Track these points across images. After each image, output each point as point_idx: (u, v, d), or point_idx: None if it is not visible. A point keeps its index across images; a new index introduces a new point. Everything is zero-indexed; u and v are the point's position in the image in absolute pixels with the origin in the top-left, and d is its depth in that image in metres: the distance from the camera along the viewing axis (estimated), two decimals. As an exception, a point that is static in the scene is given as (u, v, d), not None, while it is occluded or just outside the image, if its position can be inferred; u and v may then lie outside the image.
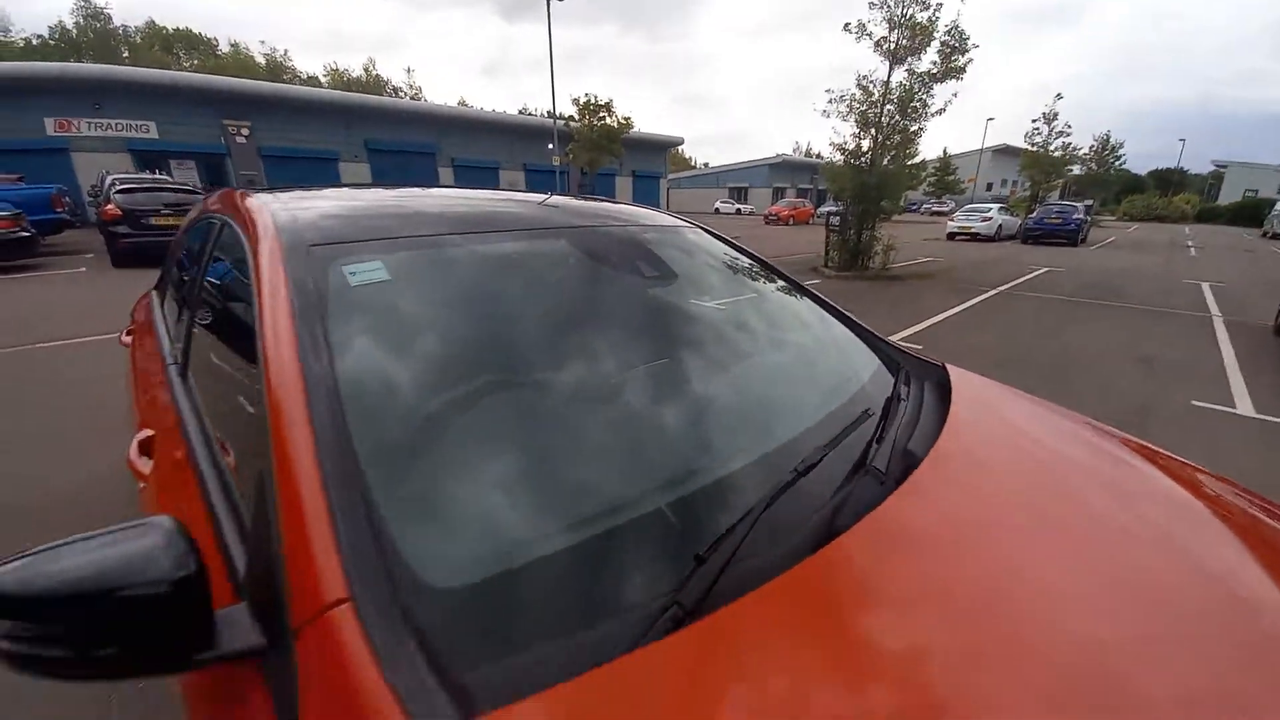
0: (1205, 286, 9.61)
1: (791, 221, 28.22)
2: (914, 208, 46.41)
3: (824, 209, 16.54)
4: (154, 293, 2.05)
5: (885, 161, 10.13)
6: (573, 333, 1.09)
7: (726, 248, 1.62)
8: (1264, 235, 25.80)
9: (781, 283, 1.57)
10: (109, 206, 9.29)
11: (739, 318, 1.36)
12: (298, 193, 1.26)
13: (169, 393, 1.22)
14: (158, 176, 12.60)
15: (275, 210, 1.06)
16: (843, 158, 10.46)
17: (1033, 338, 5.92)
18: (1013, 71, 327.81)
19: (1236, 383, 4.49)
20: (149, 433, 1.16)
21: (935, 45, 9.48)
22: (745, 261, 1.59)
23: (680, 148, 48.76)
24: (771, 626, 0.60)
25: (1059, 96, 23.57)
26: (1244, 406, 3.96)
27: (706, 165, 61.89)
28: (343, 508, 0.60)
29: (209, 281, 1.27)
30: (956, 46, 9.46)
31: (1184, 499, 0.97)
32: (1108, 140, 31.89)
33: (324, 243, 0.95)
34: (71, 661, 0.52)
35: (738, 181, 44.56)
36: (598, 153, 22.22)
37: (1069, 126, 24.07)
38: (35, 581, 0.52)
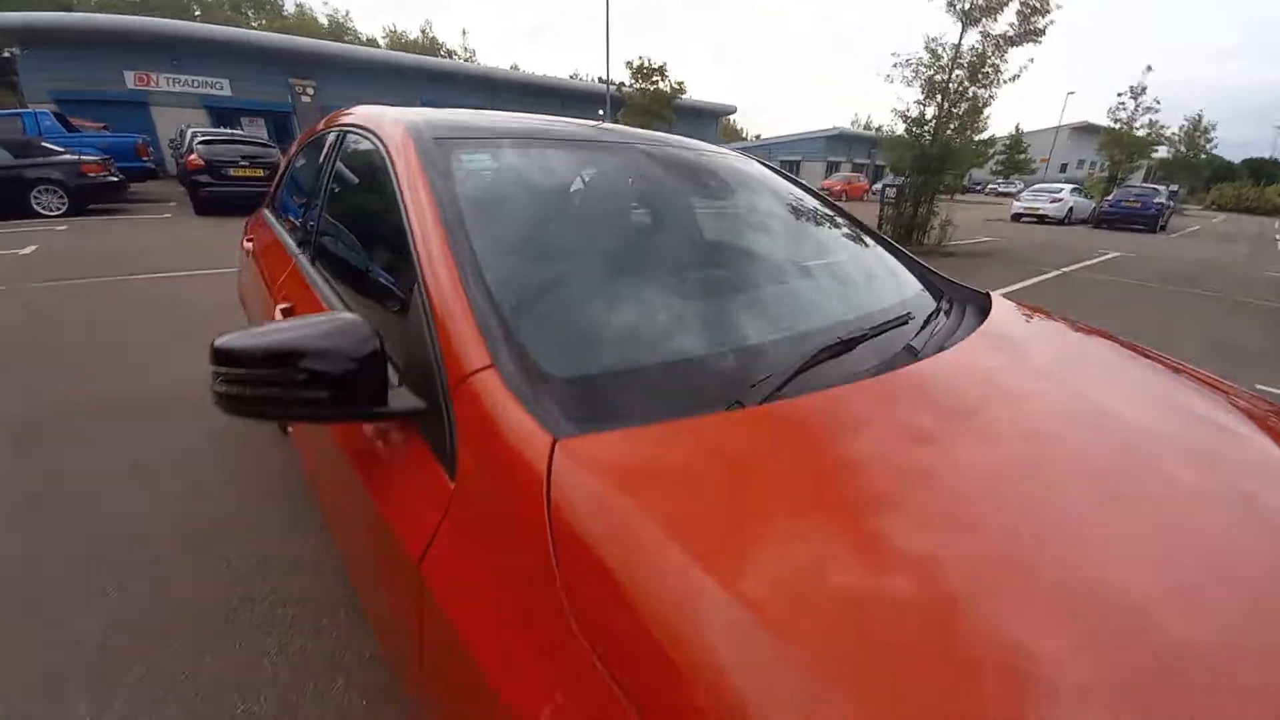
0: (1293, 277, 8.98)
1: (845, 197, 27.39)
2: (978, 188, 44.07)
3: (881, 184, 15.93)
4: (265, 210, 2.32)
5: (949, 130, 9.72)
6: (639, 215, 1.30)
7: (776, 175, 1.75)
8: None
9: (842, 219, 1.69)
10: (192, 157, 9.87)
11: (797, 228, 1.51)
12: (398, 108, 1.45)
13: (301, 273, 1.45)
14: (234, 131, 13.31)
15: (396, 115, 1.26)
16: (904, 126, 10.09)
17: (1092, 317, 5.73)
18: (1101, 41, 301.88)
19: (1311, 369, 4.28)
20: (287, 304, 1.39)
21: (1014, 6, 8.96)
22: (800, 191, 1.71)
23: (733, 117, 47.42)
24: (794, 422, 0.77)
25: (1149, 69, 21.80)
26: (1314, 390, 3.80)
27: (758, 137, 60.13)
28: (479, 309, 0.79)
29: (338, 175, 1.48)
30: (1038, 7, 8.91)
31: (1230, 417, 0.96)
32: (1199, 121, 29.36)
33: (443, 137, 1.14)
34: (280, 401, 0.72)
35: (790, 154, 43.16)
36: (649, 118, 21.99)
37: (1158, 103, 22.30)
38: (255, 343, 0.72)
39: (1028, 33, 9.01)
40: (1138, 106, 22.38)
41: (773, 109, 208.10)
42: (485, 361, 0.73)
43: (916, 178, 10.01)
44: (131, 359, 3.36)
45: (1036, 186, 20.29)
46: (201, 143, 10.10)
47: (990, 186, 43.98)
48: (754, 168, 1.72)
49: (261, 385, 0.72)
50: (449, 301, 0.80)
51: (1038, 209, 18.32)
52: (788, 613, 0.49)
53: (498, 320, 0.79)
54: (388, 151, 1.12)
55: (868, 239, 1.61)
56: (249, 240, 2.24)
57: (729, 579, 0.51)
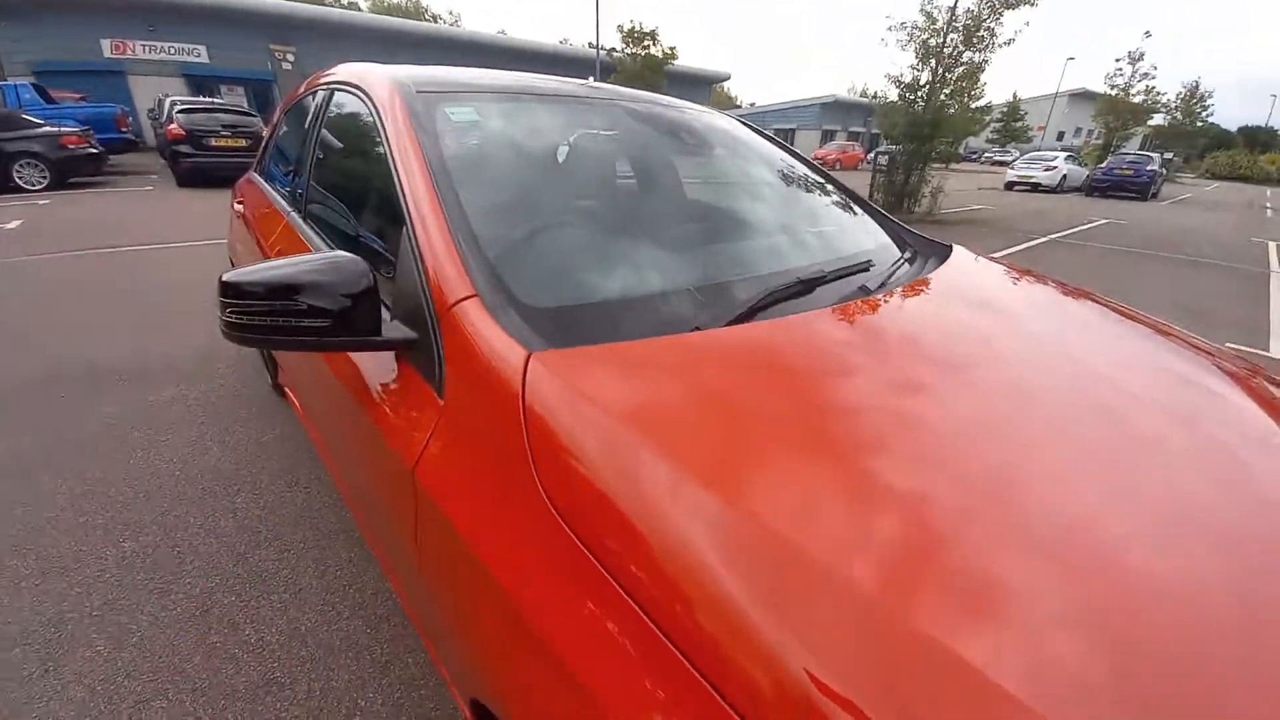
0: (1272, 245, 9.06)
1: (839, 166, 27.16)
2: (974, 156, 43.66)
3: (874, 152, 15.80)
4: (253, 173, 2.35)
5: (943, 96, 9.65)
6: (616, 165, 1.40)
7: (753, 133, 1.81)
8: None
9: (816, 175, 1.75)
10: (172, 126, 9.64)
11: (769, 181, 1.59)
12: (383, 65, 1.49)
13: (294, 228, 1.52)
14: (214, 100, 12.98)
15: (381, 71, 1.30)
16: (898, 92, 10.01)
17: (1073, 280, 5.82)
18: (1106, 6, 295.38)
19: (1279, 330, 4.42)
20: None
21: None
22: (777, 150, 1.77)
23: (726, 84, 46.41)
24: (744, 342, 0.86)
25: (1147, 34, 21.51)
26: (1278, 350, 3.93)
27: (753, 104, 59.04)
28: (464, 247, 0.86)
29: (326, 130, 1.54)
30: (1034, -30, 8.78)
31: (1151, 347, 1.06)
32: (1196, 89, 29.10)
33: (428, 90, 1.19)
34: (283, 329, 0.79)
35: (784, 122, 42.36)
36: (640, 84, 21.55)
37: (1155, 69, 22.08)
38: (259, 277, 0.80)
39: (1024, -6, 8.88)
40: (1135, 72, 22.15)
41: (768, 75, 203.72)
42: (469, 291, 0.81)
43: (908, 144, 9.97)
44: (124, 329, 3.40)
45: (1030, 155, 20.19)
46: (181, 111, 9.85)
47: (986, 155, 43.54)
48: (733, 125, 1.77)
49: (266, 315, 0.79)
50: (436, 241, 0.87)
51: (1031, 177, 18.28)
52: (714, 475, 0.58)
53: (480, 257, 0.86)
54: (375, 105, 1.18)
55: (840, 195, 1.67)
56: (239, 203, 2.28)
57: (678, 455, 0.60)
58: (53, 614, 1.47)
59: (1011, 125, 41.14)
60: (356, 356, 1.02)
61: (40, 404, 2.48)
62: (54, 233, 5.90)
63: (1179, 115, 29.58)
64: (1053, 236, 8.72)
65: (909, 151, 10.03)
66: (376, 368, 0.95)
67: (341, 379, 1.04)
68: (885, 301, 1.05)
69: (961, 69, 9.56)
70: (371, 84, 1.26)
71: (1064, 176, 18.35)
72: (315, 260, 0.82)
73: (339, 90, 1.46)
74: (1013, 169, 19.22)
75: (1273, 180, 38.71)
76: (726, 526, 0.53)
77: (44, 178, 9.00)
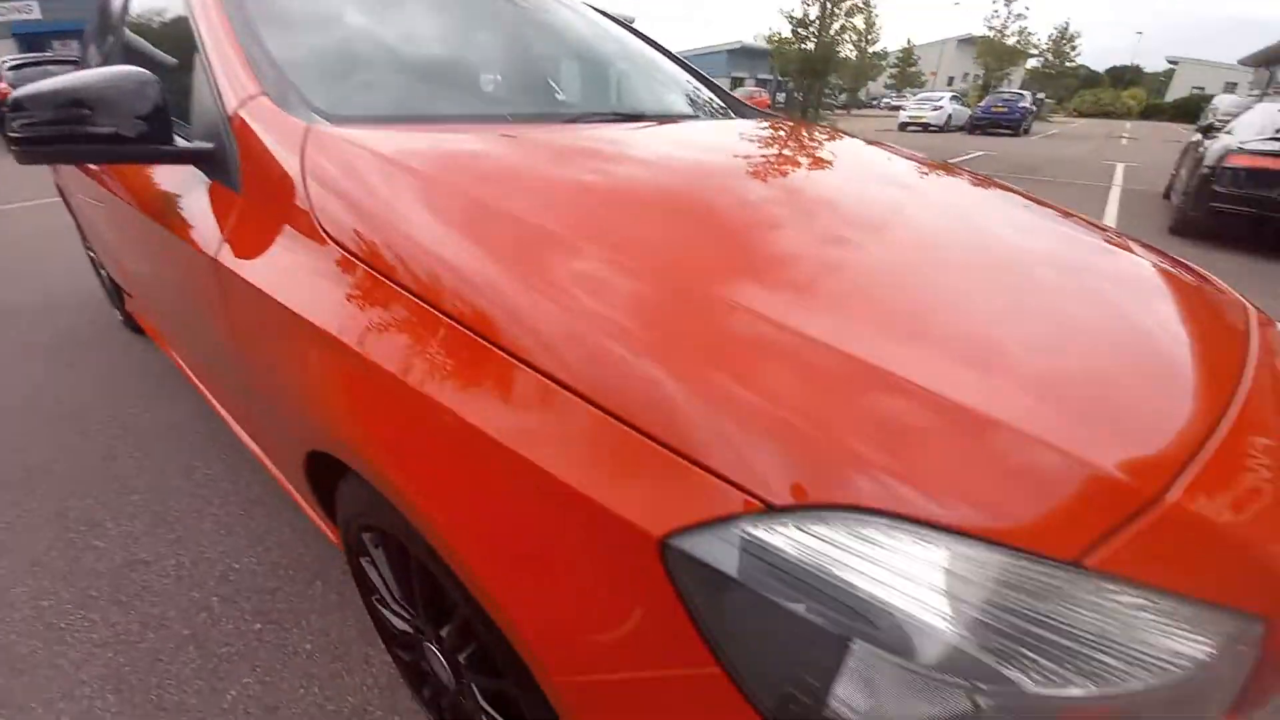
0: (1120, 166, 10.18)
1: (748, 115, 27.48)
2: (875, 103, 45.41)
3: (776, 92, 16.13)
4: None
5: (834, 31, 9.99)
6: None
7: (615, 23, 1.89)
8: (1198, 130, 26.49)
9: (670, 60, 1.85)
10: (1, 85, 8.45)
11: (619, 56, 1.70)
12: None
13: None
14: (46, 54, 11.37)
15: None
16: (790, 27, 10.25)
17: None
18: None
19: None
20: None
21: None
22: (633, 36, 1.86)
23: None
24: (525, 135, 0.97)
25: (1020, -26, 22.80)
26: (1099, 241, 4.53)
27: (664, 57, 58.04)
28: (250, 52, 0.91)
29: (132, 7, 1.48)
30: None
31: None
32: (1065, 30, 31.43)
33: None
34: (71, 138, 0.81)
35: (695, 73, 42.09)
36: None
37: (1027, 9, 23.59)
38: (45, 89, 0.80)
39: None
40: (1010, 14, 23.58)
41: (674, 20, 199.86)
42: (257, 90, 0.86)
43: (802, 81, 10.30)
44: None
45: (920, 96, 21.26)
46: (11, 69, 8.76)
47: (885, 101, 45.42)
48: (593, 13, 1.83)
49: (54, 125, 0.80)
50: (226, 49, 0.92)
51: (921, 117, 19.29)
52: (467, 192, 0.71)
53: (268, 61, 0.92)
54: None
55: (685, 73, 1.78)
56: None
57: (429, 183, 0.72)
58: (-117, 533, 1.41)
59: (907, 71, 42.96)
60: (170, 195, 1.03)
61: None
62: None
63: (1050, 56, 31.89)
64: (934, 166, 9.38)
65: (804, 88, 10.37)
66: (188, 199, 0.97)
67: (158, 219, 1.06)
68: (688, 124, 1.23)
69: (849, 3, 9.90)
70: None
71: (949, 116, 19.49)
72: (102, 72, 0.82)
73: None
74: (905, 111, 20.24)
75: (1134, 114, 42.82)
76: (473, 224, 0.65)
77: None
